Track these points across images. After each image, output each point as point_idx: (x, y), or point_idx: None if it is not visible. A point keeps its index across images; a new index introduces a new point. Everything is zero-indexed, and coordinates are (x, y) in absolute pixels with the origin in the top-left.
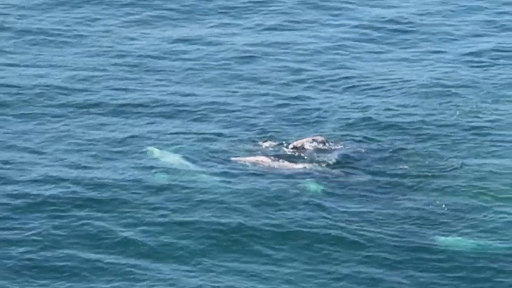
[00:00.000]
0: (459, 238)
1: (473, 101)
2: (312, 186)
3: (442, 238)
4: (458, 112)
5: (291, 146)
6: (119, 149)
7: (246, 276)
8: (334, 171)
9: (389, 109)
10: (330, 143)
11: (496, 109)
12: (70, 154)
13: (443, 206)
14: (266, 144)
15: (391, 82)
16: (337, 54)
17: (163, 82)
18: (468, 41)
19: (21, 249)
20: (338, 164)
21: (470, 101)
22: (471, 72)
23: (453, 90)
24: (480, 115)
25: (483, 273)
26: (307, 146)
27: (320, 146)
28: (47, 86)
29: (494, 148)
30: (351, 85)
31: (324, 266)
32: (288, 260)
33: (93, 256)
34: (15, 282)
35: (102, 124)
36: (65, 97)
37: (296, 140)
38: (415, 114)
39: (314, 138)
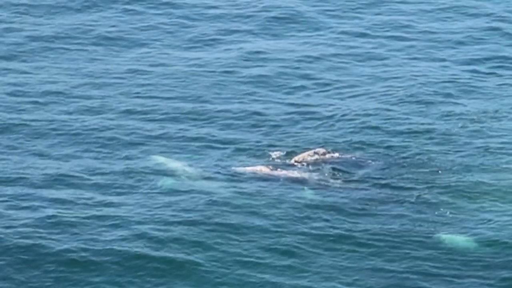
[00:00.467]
0: (462, 236)
1: (476, 108)
2: (311, 193)
3: (446, 236)
4: (460, 124)
5: (292, 160)
6: (127, 153)
7: (249, 267)
8: (337, 178)
9: (392, 118)
10: (332, 154)
11: (498, 116)
12: (83, 159)
13: (446, 207)
14: (269, 153)
15: (395, 89)
16: (340, 61)
17: (171, 88)
18: (472, 48)
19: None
20: (341, 171)
21: (472, 107)
22: (474, 80)
23: (456, 97)
24: (482, 121)
25: (484, 268)
26: (308, 159)
27: (322, 157)
28: (60, 92)
29: (495, 153)
30: (354, 93)
31: (329, 261)
32: (291, 257)
33: (108, 248)
34: (51, 275)
35: (112, 129)
36: (76, 102)
37: (299, 153)
38: (417, 122)
39: (316, 151)
